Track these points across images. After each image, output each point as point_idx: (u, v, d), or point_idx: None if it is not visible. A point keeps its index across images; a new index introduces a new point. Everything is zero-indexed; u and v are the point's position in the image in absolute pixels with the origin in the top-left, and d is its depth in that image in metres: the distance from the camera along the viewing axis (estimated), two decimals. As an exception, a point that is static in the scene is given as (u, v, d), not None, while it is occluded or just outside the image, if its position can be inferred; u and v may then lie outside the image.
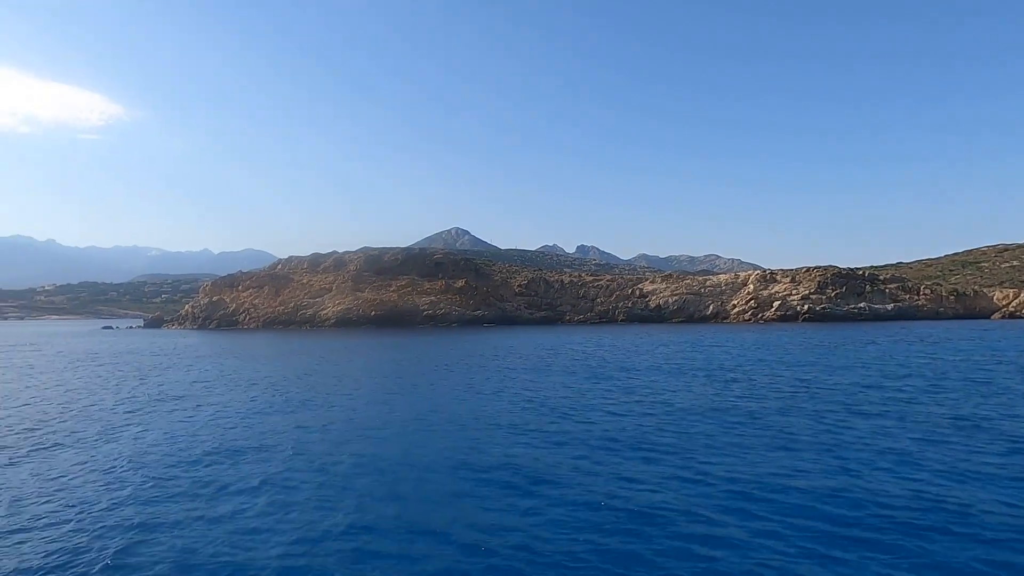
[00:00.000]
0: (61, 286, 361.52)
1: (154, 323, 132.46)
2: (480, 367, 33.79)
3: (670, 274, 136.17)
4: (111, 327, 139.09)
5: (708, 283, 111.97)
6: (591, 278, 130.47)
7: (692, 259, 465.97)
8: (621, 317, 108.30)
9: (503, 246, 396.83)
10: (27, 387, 28.72)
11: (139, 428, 18.07)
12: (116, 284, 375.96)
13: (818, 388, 23.56)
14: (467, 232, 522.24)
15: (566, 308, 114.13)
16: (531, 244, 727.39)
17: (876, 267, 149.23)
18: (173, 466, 13.69)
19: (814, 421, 17.36)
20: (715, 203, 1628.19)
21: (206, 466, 13.67)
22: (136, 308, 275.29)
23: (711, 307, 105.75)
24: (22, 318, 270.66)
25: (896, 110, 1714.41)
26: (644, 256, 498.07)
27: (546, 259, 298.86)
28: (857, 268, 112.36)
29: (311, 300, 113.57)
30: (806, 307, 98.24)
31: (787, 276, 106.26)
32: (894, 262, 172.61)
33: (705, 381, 26.40)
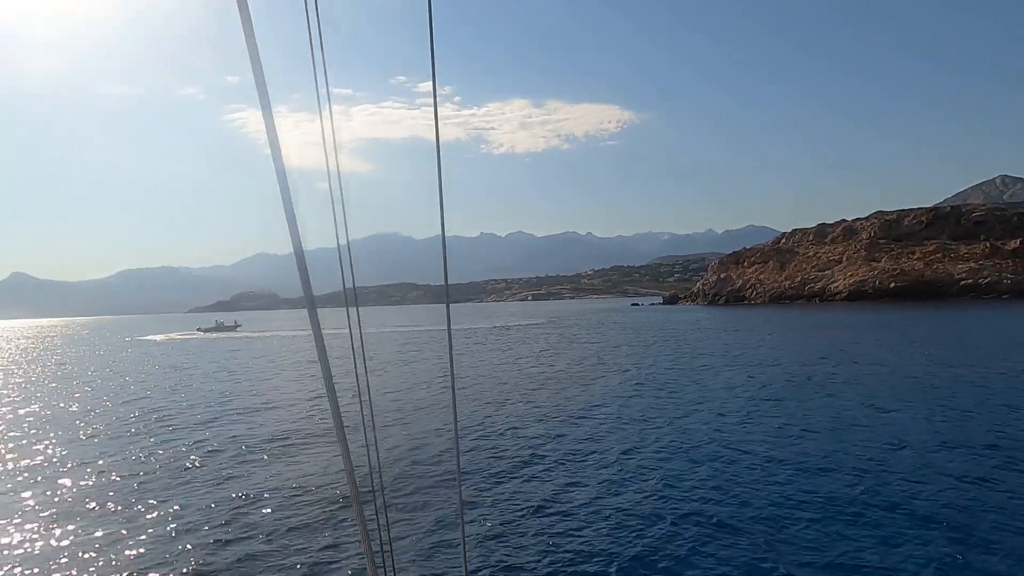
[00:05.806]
0: (597, 271, 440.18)
1: (671, 300, 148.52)
2: None
3: None
4: (638, 304, 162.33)
5: None
6: None
7: None
8: None
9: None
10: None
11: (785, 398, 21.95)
12: (637, 267, 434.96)
13: None
14: (1019, 180, 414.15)
15: None
16: None
17: None
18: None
19: None
20: None
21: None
22: (653, 286, 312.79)
23: None
24: (573, 298, 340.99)
25: None
26: None
27: None
28: None
29: (818, 273, 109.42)
30: None
31: None
32: None
33: None
